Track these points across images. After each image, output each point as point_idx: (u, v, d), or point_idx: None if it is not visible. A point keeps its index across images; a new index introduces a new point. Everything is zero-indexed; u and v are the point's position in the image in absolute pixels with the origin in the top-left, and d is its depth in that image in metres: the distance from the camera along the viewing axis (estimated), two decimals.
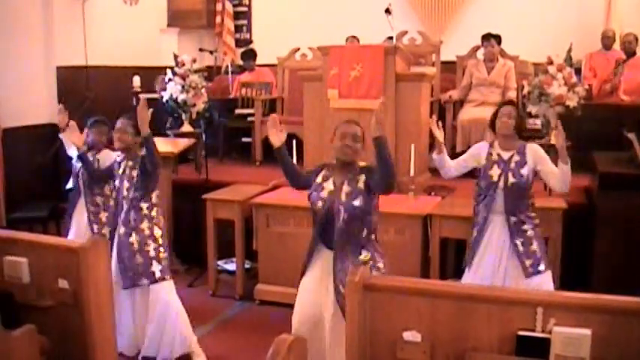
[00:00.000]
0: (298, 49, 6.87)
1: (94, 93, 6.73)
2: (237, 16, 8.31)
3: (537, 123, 5.03)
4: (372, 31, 6.16)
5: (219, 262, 5.07)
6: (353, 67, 4.89)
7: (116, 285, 3.55)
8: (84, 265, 2.61)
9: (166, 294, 3.60)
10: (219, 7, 8.12)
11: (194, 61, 6.03)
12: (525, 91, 5.23)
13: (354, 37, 6.54)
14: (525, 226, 3.48)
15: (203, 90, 5.87)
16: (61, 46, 6.58)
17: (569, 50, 5.08)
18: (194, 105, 5.81)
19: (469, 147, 5.32)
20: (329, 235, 3.00)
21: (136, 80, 6.44)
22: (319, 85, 5.08)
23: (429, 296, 2.22)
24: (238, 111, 6.76)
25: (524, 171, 3.46)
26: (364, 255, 2.91)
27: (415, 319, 2.21)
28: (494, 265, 3.50)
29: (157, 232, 3.63)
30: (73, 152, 4.22)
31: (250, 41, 8.27)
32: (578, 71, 5.64)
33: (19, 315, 2.61)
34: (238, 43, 8.25)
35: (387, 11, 5.27)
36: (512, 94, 5.75)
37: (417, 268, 4.19)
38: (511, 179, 3.45)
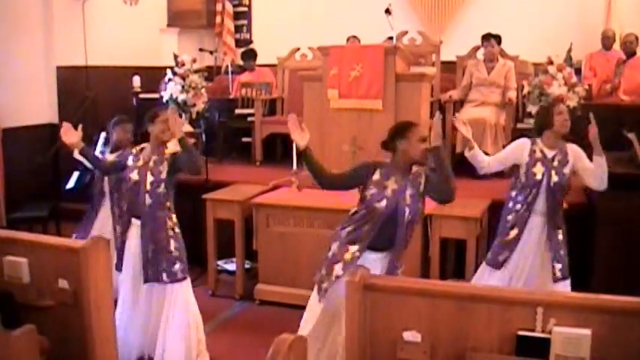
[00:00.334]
0: (298, 49, 6.87)
1: (94, 93, 6.74)
2: (237, 16, 8.31)
3: None
4: (372, 31, 6.16)
5: (219, 262, 5.07)
6: (353, 67, 4.89)
7: (134, 280, 3.56)
8: (84, 265, 2.61)
9: (185, 293, 3.59)
10: (219, 7, 8.12)
11: (194, 61, 6.02)
12: (525, 91, 5.23)
13: (355, 37, 6.54)
14: (559, 230, 3.51)
15: (203, 90, 5.87)
16: (61, 46, 6.59)
17: (569, 50, 5.08)
18: (194, 105, 5.81)
19: (469, 147, 5.38)
20: (384, 236, 2.91)
21: (136, 80, 6.45)
22: (319, 85, 5.08)
23: (429, 296, 2.22)
24: (238, 111, 6.75)
25: (566, 170, 3.47)
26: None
27: (415, 319, 2.21)
28: (531, 266, 3.52)
29: (178, 231, 3.62)
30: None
31: (250, 41, 8.27)
32: (578, 71, 5.64)
33: (19, 315, 2.61)
34: (238, 43, 8.25)
35: (387, 11, 5.27)
36: (512, 94, 5.75)
37: (417, 268, 4.19)
38: (554, 178, 3.45)
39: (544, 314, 2.05)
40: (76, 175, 5.28)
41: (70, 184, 4.85)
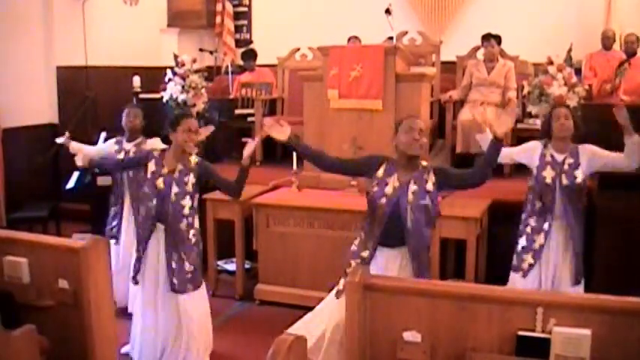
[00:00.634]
0: (298, 49, 6.87)
1: (94, 93, 6.74)
2: (237, 16, 8.30)
3: (537, 123, 5.03)
4: (372, 31, 6.16)
5: (219, 262, 5.07)
6: (353, 68, 4.89)
7: (153, 286, 3.51)
8: (84, 265, 2.61)
9: (202, 299, 3.61)
10: (219, 7, 8.11)
11: (194, 61, 6.03)
12: (525, 91, 5.23)
13: (356, 37, 6.53)
14: (577, 233, 3.52)
15: (203, 90, 5.87)
16: (61, 46, 6.59)
17: (569, 50, 5.07)
18: (194, 105, 5.81)
19: (469, 147, 5.38)
20: (393, 234, 2.90)
21: (136, 80, 6.45)
22: (319, 85, 5.08)
23: (429, 296, 2.22)
24: (238, 111, 6.74)
25: (578, 173, 3.47)
26: None
27: (415, 319, 2.21)
28: (554, 270, 3.54)
29: (199, 239, 3.62)
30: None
31: (250, 41, 8.27)
32: (578, 71, 5.63)
33: (19, 315, 2.61)
34: (238, 43, 8.24)
35: (387, 11, 5.27)
36: (512, 95, 5.74)
37: None
38: (564, 181, 3.46)
39: (544, 314, 2.05)
40: (76, 175, 5.29)
41: (70, 184, 4.86)
